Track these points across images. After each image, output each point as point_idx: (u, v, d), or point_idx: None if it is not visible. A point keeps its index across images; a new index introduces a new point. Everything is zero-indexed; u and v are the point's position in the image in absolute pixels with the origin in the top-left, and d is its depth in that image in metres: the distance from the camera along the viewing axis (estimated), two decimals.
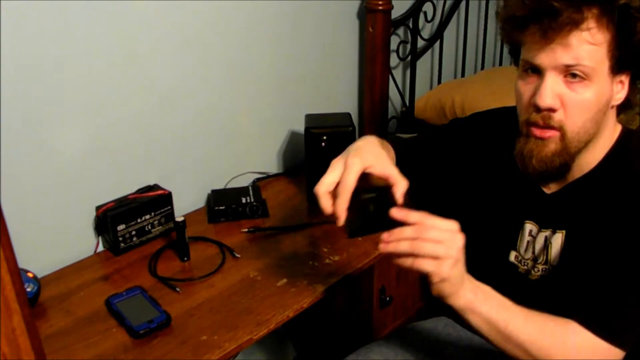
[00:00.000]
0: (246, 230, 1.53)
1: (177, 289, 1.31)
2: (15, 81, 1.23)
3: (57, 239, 1.40)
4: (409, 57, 2.11)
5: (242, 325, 1.20)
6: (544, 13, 0.95)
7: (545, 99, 0.98)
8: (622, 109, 1.07)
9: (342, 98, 2.03)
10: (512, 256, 1.20)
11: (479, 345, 1.34)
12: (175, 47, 1.51)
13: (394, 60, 2.03)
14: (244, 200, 1.60)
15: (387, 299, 1.57)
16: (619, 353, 0.99)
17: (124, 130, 1.46)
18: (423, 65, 2.26)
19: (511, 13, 1.02)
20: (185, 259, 1.42)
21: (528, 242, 1.17)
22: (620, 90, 1.03)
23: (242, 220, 1.58)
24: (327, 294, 1.32)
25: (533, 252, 1.16)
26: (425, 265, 0.91)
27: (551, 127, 1.01)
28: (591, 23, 0.95)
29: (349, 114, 1.71)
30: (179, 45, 1.51)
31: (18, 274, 0.68)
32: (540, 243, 1.15)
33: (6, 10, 1.18)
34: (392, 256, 0.94)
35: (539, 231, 1.15)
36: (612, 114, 1.06)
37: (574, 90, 0.98)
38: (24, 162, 1.30)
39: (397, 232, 0.93)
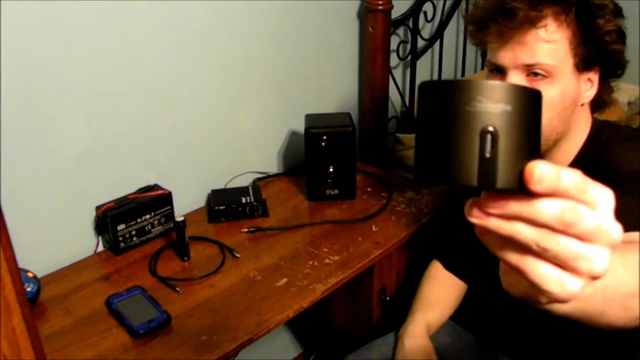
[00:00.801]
0: (246, 230, 1.53)
1: (177, 289, 1.31)
2: (15, 81, 1.23)
3: (57, 238, 1.40)
4: (409, 57, 2.11)
5: (242, 325, 1.20)
6: (502, 13, 0.97)
7: None
8: (596, 106, 1.07)
9: (342, 98, 2.03)
10: None
11: (479, 345, 1.34)
12: (175, 46, 1.51)
13: (394, 60, 2.03)
14: (244, 200, 1.60)
15: (387, 298, 1.57)
16: None
17: (124, 130, 1.46)
18: (423, 65, 2.26)
19: (476, 13, 1.04)
20: (186, 258, 1.42)
21: None
22: (589, 88, 1.03)
23: (242, 220, 1.58)
24: (327, 294, 1.32)
25: None
26: (548, 278, 0.44)
27: None
28: (549, 21, 0.96)
29: (349, 114, 1.71)
30: (179, 44, 1.51)
31: (18, 274, 0.68)
32: None
33: (6, 10, 1.18)
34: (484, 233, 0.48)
35: None
36: (583, 111, 1.06)
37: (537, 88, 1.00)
38: (24, 161, 1.30)
39: (532, 205, 0.43)
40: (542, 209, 0.41)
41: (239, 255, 1.43)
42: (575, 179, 0.42)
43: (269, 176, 1.82)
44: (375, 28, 1.86)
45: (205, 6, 1.53)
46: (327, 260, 1.40)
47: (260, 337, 1.19)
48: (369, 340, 1.42)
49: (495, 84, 0.42)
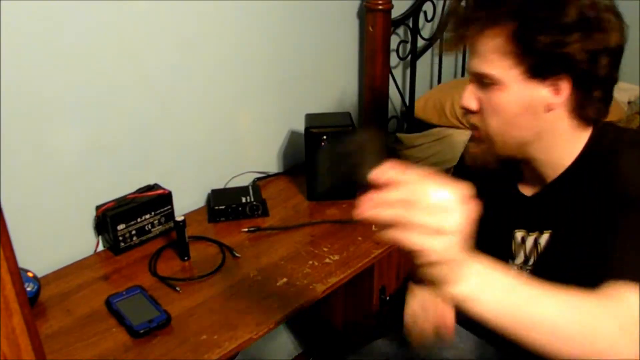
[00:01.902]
0: (246, 229, 1.53)
1: (177, 289, 1.31)
2: (15, 81, 1.23)
3: (57, 238, 1.40)
4: (409, 57, 2.11)
5: (242, 324, 1.20)
6: (462, 22, 1.05)
7: (463, 99, 1.09)
8: (576, 113, 1.06)
9: (342, 98, 2.03)
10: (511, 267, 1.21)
11: (478, 342, 1.34)
12: (175, 46, 1.51)
13: (394, 59, 2.03)
14: (244, 200, 1.60)
15: (387, 298, 1.57)
16: None
17: (124, 130, 1.46)
18: (423, 64, 2.26)
19: (449, 23, 1.11)
20: (186, 258, 1.42)
21: (518, 247, 1.19)
22: (555, 95, 1.03)
23: (242, 220, 1.58)
24: (327, 294, 1.32)
25: (525, 256, 1.18)
26: (415, 239, 0.66)
27: (475, 128, 1.11)
28: (491, 33, 1.01)
29: (349, 114, 1.71)
30: (179, 44, 1.51)
31: (18, 274, 0.68)
32: (530, 245, 1.16)
33: (6, 10, 1.18)
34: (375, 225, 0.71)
35: (527, 235, 1.17)
36: (561, 116, 1.06)
37: (487, 95, 1.05)
38: (24, 161, 1.30)
39: (381, 194, 0.68)
40: (390, 195, 0.67)
41: (239, 255, 1.43)
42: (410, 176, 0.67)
43: (269, 176, 1.82)
44: (375, 28, 1.86)
45: (205, 6, 1.53)
46: (327, 260, 1.40)
47: (260, 336, 1.19)
48: (369, 340, 1.42)
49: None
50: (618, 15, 1.02)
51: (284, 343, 2.10)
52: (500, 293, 0.77)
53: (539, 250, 1.15)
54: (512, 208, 1.19)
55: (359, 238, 1.49)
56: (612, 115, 2.19)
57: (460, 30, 1.06)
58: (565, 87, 1.02)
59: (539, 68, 1.01)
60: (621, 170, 1.02)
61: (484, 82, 1.05)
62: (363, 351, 1.37)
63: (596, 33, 0.98)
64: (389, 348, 1.35)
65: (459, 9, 1.07)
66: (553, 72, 1.01)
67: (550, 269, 1.13)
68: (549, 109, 1.04)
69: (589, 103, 1.04)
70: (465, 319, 1.38)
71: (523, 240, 1.18)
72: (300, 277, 1.34)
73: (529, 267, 1.17)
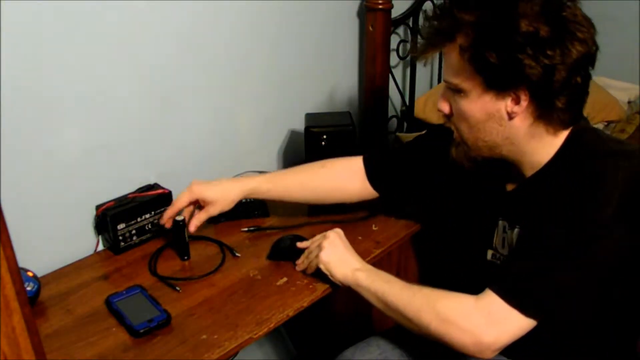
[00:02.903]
0: (246, 229, 1.53)
1: (177, 288, 1.31)
2: (14, 81, 1.23)
3: (57, 238, 1.40)
4: (409, 56, 2.11)
5: (242, 324, 1.20)
6: (433, 32, 1.12)
7: (438, 103, 1.18)
8: (541, 120, 1.09)
9: (342, 97, 2.03)
10: (489, 255, 1.25)
11: None
12: (175, 46, 1.51)
13: (394, 59, 2.03)
14: (244, 200, 1.59)
15: None
16: (522, 318, 1.05)
17: (124, 129, 1.46)
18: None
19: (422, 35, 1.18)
20: (186, 257, 1.42)
21: (503, 238, 1.22)
22: (514, 104, 1.07)
23: (242, 220, 1.58)
24: (327, 293, 1.32)
25: (510, 249, 1.22)
26: (313, 263, 1.32)
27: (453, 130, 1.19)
28: (451, 46, 1.08)
29: (349, 113, 1.71)
30: (179, 44, 1.51)
31: (18, 273, 0.68)
32: (513, 239, 1.20)
33: (6, 10, 1.18)
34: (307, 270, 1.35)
35: (509, 227, 1.21)
36: (527, 122, 1.09)
37: (455, 101, 1.13)
38: (24, 161, 1.30)
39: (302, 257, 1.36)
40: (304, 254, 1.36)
41: (239, 255, 1.43)
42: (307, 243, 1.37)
43: None
44: (375, 27, 1.86)
45: (205, 6, 1.53)
46: None
47: (260, 336, 1.19)
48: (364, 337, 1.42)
49: None
50: (586, 25, 1.04)
51: (284, 342, 2.10)
52: (370, 282, 1.22)
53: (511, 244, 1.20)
54: (495, 201, 1.24)
55: (359, 237, 1.49)
56: (612, 115, 2.20)
57: (423, 43, 1.13)
58: (524, 97, 1.06)
59: (493, 81, 1.06)
60: (576, 180, 1.06)
61: (451, 89, 1.12)
62: (360, 346, 1.37)
63: (550, 49, 1.01)
64: (386, 343, 1.36)
65: (425, 22, 1.14)
66: (509, 85, 1.05)
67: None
68: (510, 117, 1.09)
69: (552, 112, 1.08)
70: None
71: (505, 229, 1.22)
72: (301, 276, 1.35)
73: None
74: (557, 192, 1.08)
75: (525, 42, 1.00)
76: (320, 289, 1.31)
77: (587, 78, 1.08)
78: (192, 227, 1.38)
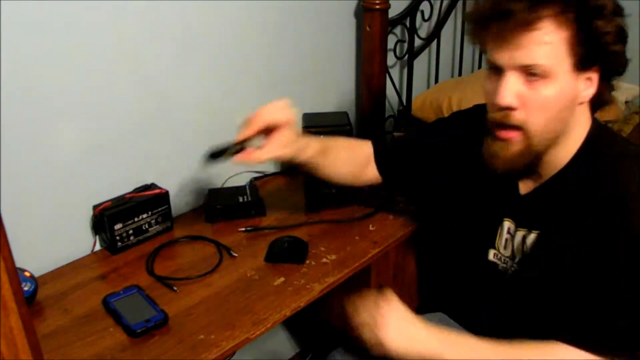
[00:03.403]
0: (243, 229, 1.53)
1: (175, 288, 1.31)
2: (13, 80, 1.23)
3: (54, 238, 1.40)
4: (406, 56, 2.11)
5: (239, 324, 1.20)
6: (500, 14, 0.97)
7: (504, 97, 1.00)
8: (596, 106, 1.07)
9: (340, 97, 2.03)
10: (491, 254, 1.22)
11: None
12: (172, 45, 1.51)
13: (391, 59, 2.03)
14: (241, 200, 1.60)
15: None
16: None
17: (121, 129, 1.46)
18: (420, 64, 2.26)
19: (474, 13, 1.03)
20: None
21: (506, 239, 1.19)
22: (588, 87, 1.02)
23: (240, 220, 1.58)
24: (324, 293, 1.32)
25: (512, 251, 1.18)
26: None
27: (513, 127, 1.03)
28: (546, 23, 0.96)
29: (346, 113, 1.71)
30: (176, 43, 1.51)
31: (15, 273, 0.68)
32: (518, 241, 1.16)
33: (6, 10, 1.18)
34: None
35: (516, 229, 1.17)
36: (582, 110, 1.06)
37: (534, 89, 0.99)
38: (21, 161, 1.30)
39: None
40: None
41: (236, 255, 1.43)
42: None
43: (266, 175, 1.82)
44: (373, 27, 1.86)
45: (203, 6, 1.53)
46: (324, 260, 1.40)
47: (257, 336, 1.19)
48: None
49: None
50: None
51: (281, 342, 2.10)
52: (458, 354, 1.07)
53: (525, 250, 1.15)
54: (503, 197, 1.19)
55: (356, 238, 1.49)
56: (610, 115, 2.20)
57: (504, 22, 0.97)
58: (595, 79, 1.01)
59: (586, 58, 0.98)
60: (606, 186, 1.03)
61: (530, 75, 0.99)
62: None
63: (620, 19, 0.98)
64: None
65: None
66: (593, 63, 1.00)
67: (535, 270, 1.13)
68: (580, 101, 1.03)
69: (605, 95, 1.04)
70: (461, 317, 1.39)
71: (509, 231, 1.18)
72: (298, 276, 1.35)
73: (515, 265, 1.17)
74: (587, 200, 1.04)
75: (612, 12, 0.97)
76: (317, 289, 1.31)
77: None
78: (265, 155, 1.24)
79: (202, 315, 1.23)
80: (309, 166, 1.32)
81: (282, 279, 1.34)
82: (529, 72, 0.99)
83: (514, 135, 1.04)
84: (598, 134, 1.09)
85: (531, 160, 1.06)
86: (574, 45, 0.97)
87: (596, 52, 0.98)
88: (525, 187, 1.16)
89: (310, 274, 1.35)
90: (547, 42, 0.96)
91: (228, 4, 1.58)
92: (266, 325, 1.21)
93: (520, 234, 1.16)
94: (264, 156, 1.22)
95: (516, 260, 1.17)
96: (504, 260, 1.21)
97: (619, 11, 0.99)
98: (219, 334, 1.18)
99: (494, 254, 1.22)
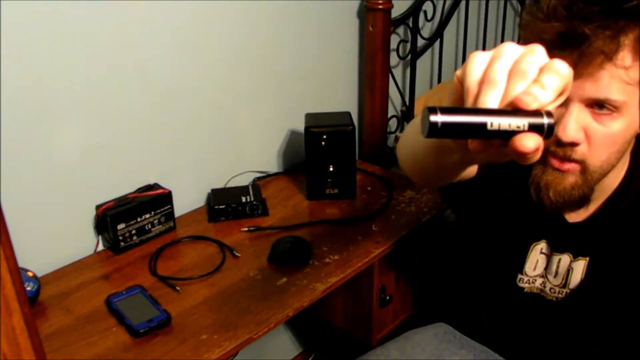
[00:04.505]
0: (246, 229, 1.53)
1: (177, 288, 1.31)
2: (14, 80, 1.23)
3: (57, 238, 1.40)
4: (409, 56, 2.10)
5: (241, 324, 1.20)
6: (573, 40, 0.84)
7: (569, 132, 0.89)
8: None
9: (342, 97, 2.03)
10: (518, 279, 1.17)
11: (480, 352, 1.33)
12: (174, 45, 1.51)
13: (394, 59, 2.03)
14: (244, 199, 1.60)
15: (387, 298, 1.57)
16: None
17: (124, 129, 1.46)
18: (423, 64, 2.26)
19: (538, 33, 0.88)
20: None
21: (538, 260, 1.15)
22: None
23: (242, 220, 1.58)
24: (327, 293, 1.32)
25: (545, 270, 1.15)
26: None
27: (572, 160, 0.94)
28: (626, 52, 0.84)
29: (348, 113, 1.71)
30: (179, 43, 1.51)
31: (18, 273, 0.68)
32: (556, 265, 1.12)
33: (6, 10, 1.18)
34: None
35: (552, 253, 1.12)
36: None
37: (601, 123, 0.90)
38: (24, 161, 1.30)
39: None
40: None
41: (239, 255, 1.43)
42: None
43: (268, 175, 1.82)
44: (375, 27, 1.86)
45: (205, 6, 1.53)
46: (327, 260, 1.40)
47: (260, 336, 1.19)
48: (368, 340, 1.42)
49: None
50: None
51: (284, 343, 2.10)
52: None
53: (570, 275, 1.11)
54: (543, 224, 1.10)
55: (359, 237, 1.49)
56: None
57: (577, 49, 0.84)
58: None
59: None
60: None
61: (599, 107, 0.89)
62: (378, 351, 1.36)
63: None
64: (388, 357, 1.34)
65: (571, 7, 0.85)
66: None
67: (589, 296, 1.08)
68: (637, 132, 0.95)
69: None
70: (468, 328, 1.38)
71: (542, 251, 1.13)
72: (300, 276, 1.34)
73: (560, 289, 1.13)
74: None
75: None
76: (320, 289, 1.30)
77: None
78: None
79: (205, 315, 1.23)
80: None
81: (285, 279, 1.34)
82: (597, 105, 0.89)
83: (572, 167, 0.94)
84: (637, 155, 1.03)
85: (585, 193, 0.97)
86: None
87: None
88: (574, 216, 1.07)
89: (313, 274, 1.35)
90: (626, 81, 0.86)
91: (229, 4, 1.58)
92: (269, 325, 1.21)
93: (559, 257, 1.11)
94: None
95: (556, 284, 1.13)
96: (532, 280, 1.15)
97: None
98: (221, 334, 1.18)
99: (520, 278, 1.17)
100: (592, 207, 1.05)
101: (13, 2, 1.18)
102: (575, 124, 0.89)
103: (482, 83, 0.56)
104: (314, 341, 2.14)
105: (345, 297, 1.63)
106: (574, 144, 0.91)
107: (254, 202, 1.59)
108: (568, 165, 0.94)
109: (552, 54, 0.61)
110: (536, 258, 1.14)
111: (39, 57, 1.27)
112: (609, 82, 0.85)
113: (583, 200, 0.99)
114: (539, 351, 1.21)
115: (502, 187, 1.13)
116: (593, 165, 0.93)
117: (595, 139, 0.91)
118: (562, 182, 0.95)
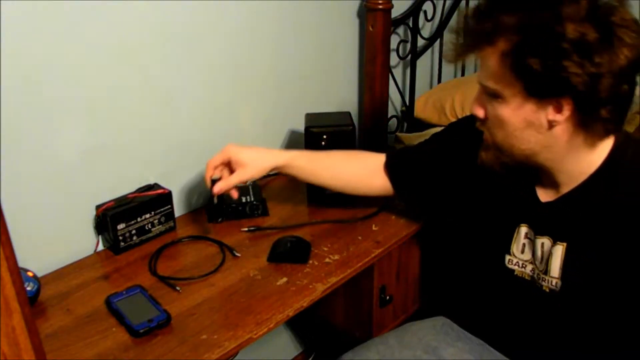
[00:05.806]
0: (246, 229, 1.53)
1: (177, 288, 1.31)
2: (14, 80, 1.23)
3: (57, 238, 1.40)
4: (409, 56, 2.11)
5: (242, 324, 1.20)
6: (467, 34, 1.06)
7: (472, 107, 1.12)
8: (583, 130, 1.04)
9: (342, 97, 2.03)
10: (507, 260, 1.22)
11: (477, 345, 1.34)
12: (175, 45, 1.51)
13: (394, 59, 2.03)
14: (244, 200, 1.60)
15: (387, 298, 1.57)
16: None
17: (124, 129, 1.46)
18: (423, 64, 2.26)
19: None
20: (216, 220, 1.58)
21: (524, 244, 1.19)
22: (556, 113, 1.00)
23: (242, 220, 1.58)
24: (327, 293, 1.32)
25: (533, 256, 1.18)
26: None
27: (485, 134, 1.14)
28: (489, 51, 1.02)
29: (348, 113, 1.71)
30: (179, 44, 1.51)
31: (18, 273, 0.68)
32: (540, 250, 1.16)
33: (6, 10, 1.18)
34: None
35: (535, 236, 1.17)
36: (568, 131, 1.03)
37: (491, 106, 1.08)
38: (24, 161, 1.30)
39: None
40: None
41: (239, 255, 1.43)
42: None
43: (269, 175, 1.81)
44: (375, 27, 1.86)
45: (204, 6, 1.53)
46: (327, 260, 1.40)
47: (260, 336, 1.19)
48: (368, 340, 1.42)
49: None
50: (636, 28, 0.96)
51: (284, 342, 2.10)
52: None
53: (550, 261, 1.14)
54: (520, 203, 1.19)
55: (359, 237, 1.49)
56: None
57: (461, 45, 1.07)
58: (567, 106, 0.99)
59: (535, 89, 0.99)
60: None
61: (489, 93, 1.06)
62: (359, 350, 1.37)
63: (597, 56, 0.93)
64: (386, 347, 1.35)
65: (464, 22, 1.07)
66: (551, 93, 0.99)
67: (581, 288, 1.13)
68: (551, 125, 1.03)
69: (596, 121, 1.01)
70: (466, 322, 1.39)
71: (527, 236, 1.18)
72: (300, 276, 1.34)
73: (549, 278, 1.15)
74: (618, 210, 1.05)
75: (571, 48, 0.93)
76: (320, 289, 1.30)
77: (634, 85, 1.01)
78: (217, 189, 1.38)
79: (205, 315, 1.23)
80: (297, 177, 1.47)
81: (285, 279, 1.34)
82: (487, 91, 1.07)
83: (485, 139, 1.14)
84: (624, 146, 1.07)
85: (509, 166, 1.14)
86: (512, 76, 1.00)
87: (547, 83, 0.97)
88: (545, 195, 1.16)
89: (313, 274, 1.35)
90: (492, 68, 1.02)
91: (230, 5, 1.58)
92: (269, 325, 1.21)
93: (540, 241, 1.16)
94: (221, 188, 1.39)
95: (542, 270, 1.16)
96: (522, 264, 1.20)
97: (579, 46, 0.94)
98: (221, 334, 1.18)
99: (509, 259, 1.22)
100: (563, 190, 1.12)
101: (13, 1, 1.18)
102: (476, 102, 1.12)
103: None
104: (314, 341, 2.14)
105: (345, 297, 1.63)
106: (477, 118, 1.12)
107: (254, 202, 1.59)
108: (485, 135, 1.14)
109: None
110: (522, 241, 1.20)
111: (39, 57, 1.26)
112: (485, 71, 1.05)
113: (538, 175, 1.15)
114: (535, 342, 1.24)
115: (474, 175, 1.26)
116: (495, 142, 1.11)
117: (489, 119, 1.10)
118: (483, 155, 1.16)
